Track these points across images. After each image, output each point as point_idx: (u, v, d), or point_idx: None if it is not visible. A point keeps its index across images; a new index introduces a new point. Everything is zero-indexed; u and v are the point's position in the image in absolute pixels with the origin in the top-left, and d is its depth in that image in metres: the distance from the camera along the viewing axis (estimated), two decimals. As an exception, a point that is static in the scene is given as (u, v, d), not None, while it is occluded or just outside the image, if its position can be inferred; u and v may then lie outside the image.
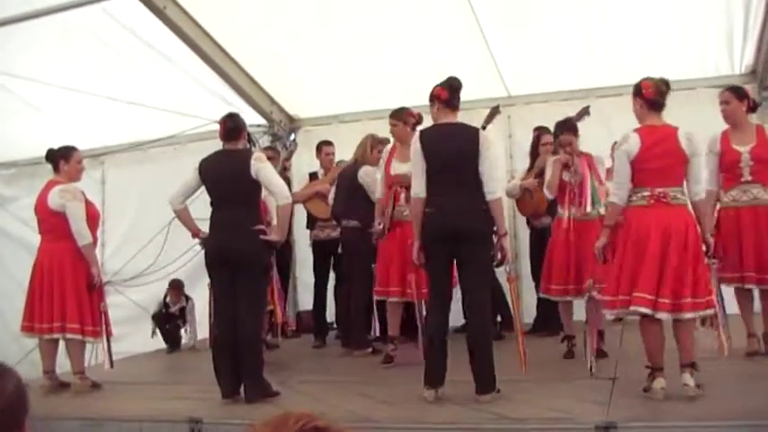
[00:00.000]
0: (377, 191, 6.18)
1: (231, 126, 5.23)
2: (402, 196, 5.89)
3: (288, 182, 7.73)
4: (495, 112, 6.48)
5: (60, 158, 5.89)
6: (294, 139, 7.26)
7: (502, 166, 7.98)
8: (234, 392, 4.94)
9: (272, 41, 7.49)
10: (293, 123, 8.86)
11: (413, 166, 4.89)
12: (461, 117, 7.83)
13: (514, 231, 8.17)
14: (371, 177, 6.46)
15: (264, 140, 8.56)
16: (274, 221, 5.79)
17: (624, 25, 7.12)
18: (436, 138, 4.81)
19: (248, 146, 6.22)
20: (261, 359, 5.15)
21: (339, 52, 7.32)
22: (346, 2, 6.93)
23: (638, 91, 4.49)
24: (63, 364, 5.89)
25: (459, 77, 4.85)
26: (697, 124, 5.53)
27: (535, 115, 7.53)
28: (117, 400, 5.55)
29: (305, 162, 8.17)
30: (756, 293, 5.32)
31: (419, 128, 5.60)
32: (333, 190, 7.11)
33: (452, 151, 4.69)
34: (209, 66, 7.87)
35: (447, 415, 4.30)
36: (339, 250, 7.14)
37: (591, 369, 4.85)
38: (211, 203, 5.19)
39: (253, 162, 5.03)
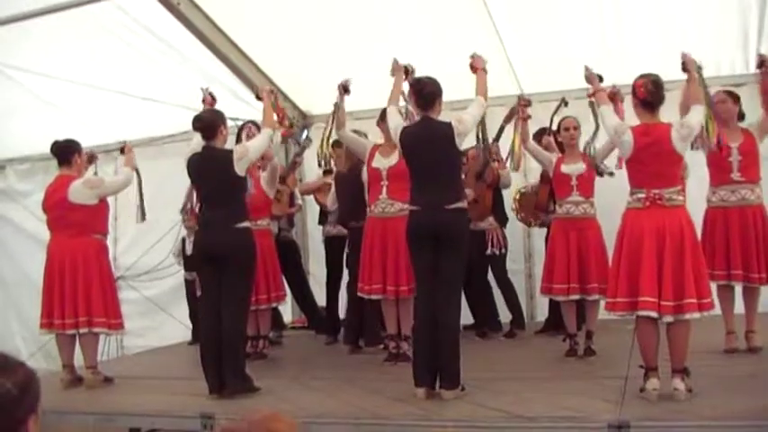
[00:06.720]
0: None
1: (198, 126, 5.23)
2: (384, 190, 5.81)
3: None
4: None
5: (75, 152, 5.91)
6: (308, 136, 7.25)
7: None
8: (221, 388, 4.97)
9: (285, 38, 7.48)
10: (306, 120, 8.86)
11: None
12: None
13: (528, 231, 8.15)
14: None
15: (276, 135, 8.54)
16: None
17: (638, 23, 7.08)
18: (411, 135, 4.89)
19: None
20: (243, 354, 5.24)
21: (352, 49, 7.30)
22: (360, -1, 6.93)
23: (633, 91, 4.50)
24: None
25: (424, 78, 4.99)
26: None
27: (549, 113, 7.50)
28: (130, 394, 5.58)
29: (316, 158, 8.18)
30: (738, 291, 5.47)
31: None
32: (331, 196, 7.11)
33: (426, 147, 4.76)
34: (223, 62, 7.89)
35: (458, 412, 4.30)
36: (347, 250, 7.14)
37: None
38: (200, 201, 5.28)
39: (235, 163, 5.07)
